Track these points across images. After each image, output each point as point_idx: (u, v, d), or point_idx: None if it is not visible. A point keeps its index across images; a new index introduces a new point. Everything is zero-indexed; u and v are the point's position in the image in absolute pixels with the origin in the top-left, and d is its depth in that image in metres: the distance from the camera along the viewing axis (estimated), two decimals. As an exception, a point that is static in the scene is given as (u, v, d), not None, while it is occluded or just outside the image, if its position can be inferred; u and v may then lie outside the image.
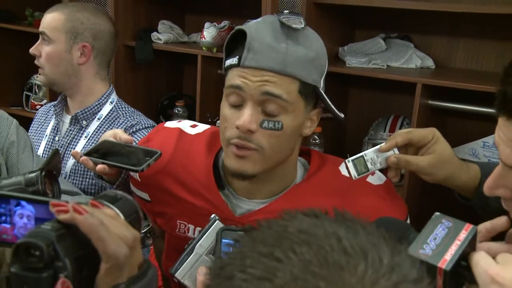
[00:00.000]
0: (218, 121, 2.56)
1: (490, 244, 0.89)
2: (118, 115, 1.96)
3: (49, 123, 2.05)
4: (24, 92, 3.27)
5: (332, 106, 1.24)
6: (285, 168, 1.26)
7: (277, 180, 1.26)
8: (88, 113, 1.95)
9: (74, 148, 1.92)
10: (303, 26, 1.18)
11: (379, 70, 2.31)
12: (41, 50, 1.96)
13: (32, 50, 1.98)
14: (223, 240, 0.97)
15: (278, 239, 0.54)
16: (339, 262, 0.51)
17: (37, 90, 3.25)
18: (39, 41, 1.99)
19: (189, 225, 1.30)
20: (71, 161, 1.91)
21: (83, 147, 1.90)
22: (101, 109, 1.97)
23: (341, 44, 2.51)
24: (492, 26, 2.27)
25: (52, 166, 1.23)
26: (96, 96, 1.98)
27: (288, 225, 0.56)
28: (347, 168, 1.20)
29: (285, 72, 1.14)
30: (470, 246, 0.79)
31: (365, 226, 0.56)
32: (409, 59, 2.36)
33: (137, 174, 1.34)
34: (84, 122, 1.95)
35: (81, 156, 1.32)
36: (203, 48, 2.57)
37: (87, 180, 1.89)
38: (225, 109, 1.20)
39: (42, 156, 1.97)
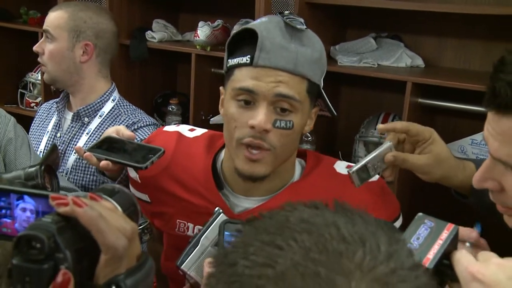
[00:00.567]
0: (211, 119, 2.58)
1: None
2: (120, 112, 1.98)
3: (51, 119, 2.07)
4: (19, 90, 3.26)
5: (330, 104, 1.27)
6: (285, 166, 1.28)
7: (276, 179, 1.28)
8: (90, 110, 1.97)
9: (75, 145, 1.93)
10: (305, 27, 1.20)
11: (370, 69, 2.33)
12: (44, 48, 1.99)
13: (35, 48, 2.01)
14: (226, 233, 0.98)
15: (280, 228, 0.56)
16: (338, 249, 0.53)
17: (32, 88, 3.24)
18: (42, 38, 2.02)
19: (189, 223, 1.32)
20: (72, 157, 1.93)
21: (85, 144, 1.92)
22: (103, 107, 1.99)
23: (333, 43, 2.53)
24: (479, 26, 2.30)
25: (50, 161, 1.25)
26: (98, 94, 2.00)
27: (290, 215, 0.58)
28: (350, 178, 1.21)
29: (297, 71, 1.16)
30: (452, 245, 0.81)
31: (364, 216, 0.58)
32: (399, 58, 2.39)
33: (137, 176, 1.36)
34: (86, 119, 1.97)
35: (84, 152, 1.33)
36: (197, 47, 2.58)
37: (88, 176, 1.90)
38: (232, 108, 1.20)
39: (43, 152, 1.99)
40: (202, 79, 2.66)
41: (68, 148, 1.96)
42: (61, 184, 1.48)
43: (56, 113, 2.05)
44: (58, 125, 2.03)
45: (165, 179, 1.33)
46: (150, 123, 1.97)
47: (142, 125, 1.94)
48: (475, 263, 0.75)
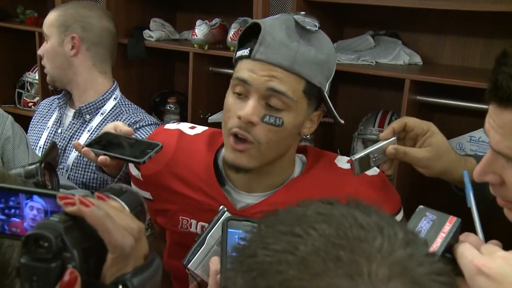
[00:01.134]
0: (210, 117, 2.59)
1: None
2: (122, 111, 1.99)
3: (52, 115, 2.07)
4: (17, 90, 3.27)
5: (334, 111, 1.27)
6: (282, 163, 1.29)
7: (275, 174, 1.29)
8: (92, 107, 1.97)
9: None
10: (316, 29, 1.20)
11: (368, 67, 2.34)
12: (43, 50, 2.02)
13: (38, 52, 2.06)
14: (229, 230, 0.98)
15: (297, 219, 0.57)
16: (358, 235, 0.54)
17: (29, 88, 3.25)
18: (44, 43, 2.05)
19: (192, 220, 1.33)
20: (73, 154, 1.93)
21: (86, 141, 1.92)
22: (104, 104, 1.99)
23: (331, 41, 2.53)
24: (477, 23, 2.31)
25: (50, 159, 1.26)
26: (96, 90, 2.00)
27: (306, 210, 0.59)
28: (351, 165, 1.23)
29: (292, 69, 1.16)
30: (454, 238, 0.80)
31: (377, 210, 0.60)
32: (397, 56, 2.39)
33: (139, 174, 1.37)
34: (88, 116, 1.97)
35: (82, 147, 1.33)
36: (195, 46, 2.58)
37: (89, 174, 1.90)
38: (229, 98, 1.23)
39: (42, 147, 2.00)
40: (200, 78, 2.67)
41: (68, 144, 1.96)
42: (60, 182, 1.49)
43: (58, 109, 2.05)
44: (59, 121, 2.03)
45: (167, 177, 1.34)
46: (152, 122, 1.98)
47: (144, 124, 1.94)
48: (480, 257, 0.74)
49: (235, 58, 1.24)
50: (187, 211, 1.33)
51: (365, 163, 1.24)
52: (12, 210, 0.72)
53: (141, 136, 1.82)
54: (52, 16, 2.02)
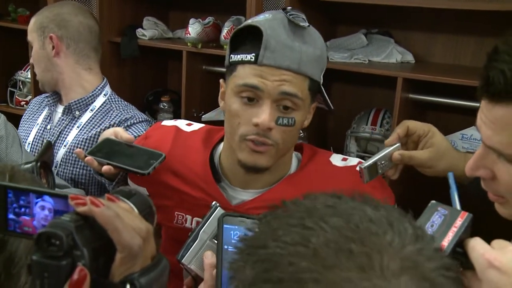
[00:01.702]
0: (203, 116, 2.59)
1: None
2: (111, 108, 1.99)
3: (42, 112, 2.08)
4: (9, 89, 3.25)
5: (328, 99, 1.30)
6: (283, 160, 1.31)
7: (274, 172, 1.31)
8: (81, 104, 1.98)
9: (65, 138, 1.95)
10: (308, 24, 1.21)
11: (361, 65, 2.35)
12: (31, 58, 2.04)
13: (30, 61, 2.07)
14: (225, 226, 0.99)
15: (307, 212, 0.58)
16: (369, 228, 0.55)
17: (21, 86, 3.23)
18: None
19: (187, 216, 1.34)
20: (62, 150, 1.93)
21: (75, 137, 1.93)
22: (94, 101, 1.99)
23: (324, 39, 2.53)
24: (469, 22, 2.33)
25: (46, 158, 1.26)
26: (84, 87, 2.00)
27: (315, 202, 0.60)
28: (360, 173, 1.25)
29: (300, 71, 1.18)
30: (466, 233, 0.81)
31: (384, 205, 0.60)
32: (389, 54, 2.41)
33: None
34: (77, 113, 1.98)
35: (85, 156, 1.33)
36: (188, 44, 2.58)
37: (78, 169, 1.91)
38: (236, 104, 1.22)
39: (31, 143, 2.00)
40: (193, 77, 2.67)
41: (58, 140, 1.97)
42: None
43: (48, 106, 2.05)
44: (48, 117, 2.04)
45: (164, 173, 1.35)
46: (143, 119, 1.98)
47: (135, 121, 1.94)
48: (491, 251, 0.75)
49: (231, 61, 1.23)
50: (183, 206, 1.35)
51: (373, 170, 1.27)
52: (23, 209, 0.74)
53: (133, 134, 1.82)
54: (31, 22, 2.04)
